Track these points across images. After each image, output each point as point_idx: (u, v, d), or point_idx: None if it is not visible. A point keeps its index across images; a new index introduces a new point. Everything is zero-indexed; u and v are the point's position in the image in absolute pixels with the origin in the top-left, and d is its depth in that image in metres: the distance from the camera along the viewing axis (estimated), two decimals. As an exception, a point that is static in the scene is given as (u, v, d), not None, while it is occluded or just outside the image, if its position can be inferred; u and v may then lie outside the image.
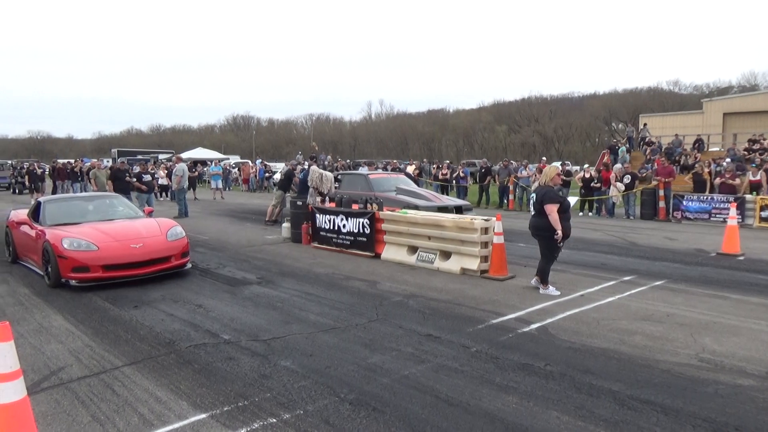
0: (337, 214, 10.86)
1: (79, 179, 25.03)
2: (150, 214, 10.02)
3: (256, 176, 33.19)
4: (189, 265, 8.91)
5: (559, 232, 6.93)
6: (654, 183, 17.05)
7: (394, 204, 12.51)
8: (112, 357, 5.13)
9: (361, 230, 10.32)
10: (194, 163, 32.31)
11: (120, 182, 15.03)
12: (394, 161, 34.75)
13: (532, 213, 7.33)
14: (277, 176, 30.79)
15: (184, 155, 44.72)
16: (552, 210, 6.94)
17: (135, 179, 16.18)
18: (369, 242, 10.20)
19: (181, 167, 17.77)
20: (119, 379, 4.59)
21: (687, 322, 6.05)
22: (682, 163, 22.33)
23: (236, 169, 37.04)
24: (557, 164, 7.68)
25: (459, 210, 13.17)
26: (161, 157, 49.73)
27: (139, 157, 52.10)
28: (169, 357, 5.10)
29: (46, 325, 6.16)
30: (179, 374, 4.68)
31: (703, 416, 3.84)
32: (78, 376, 4.68)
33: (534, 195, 7.38)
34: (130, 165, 21.17)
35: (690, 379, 4.47)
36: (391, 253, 9.85)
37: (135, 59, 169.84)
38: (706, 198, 15.81)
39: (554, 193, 7.15)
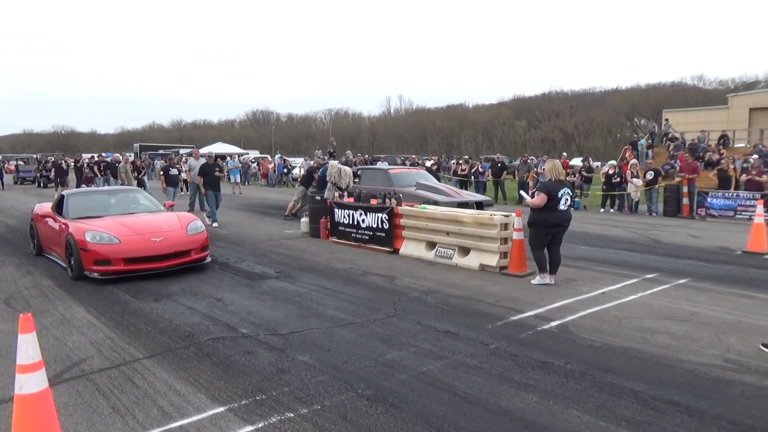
0: (355, 209, 10.84)
1: (103, 175, 24.59)
2: (170, 208, 10.10)
3: (275, 171, 33.32)
4: (209, 259, 8.96)
5: (526, 197, 7.74)
6: (677, 179, 16.76)
7: (414, 199, 12.46)
8: (132, 349, 5.18)
9: (380, 225, 10.29)
10: (217, 158, 32.60)
11: (208, 177, 14.19)
12: (413, 156, 34.63)
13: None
14: (296, 171, 30.95)
15: (204, 150, 45.12)
16: (539, 197, 7.39)
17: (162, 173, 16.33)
18: (387, 237, 10.17)
19: (190, 163, 17.79)
20: (139, 372, 4.63)
21: (712, 321, 5.93)
22: (706, 159, 21.92)
23: (255, 163, 37.21)
24: (557, 161, 8.14)
25: (480, 206, 13.09)
26: (182, 151, 50.22)
27: (161, 151, 52.74)
28: (189, 350, 5.13)
29: (69, 317, 6.24)
30: (198, 367, 4.70)
31: (728, 418, 3.75)
32: (99, 368, 4.73)
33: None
34: (151, 159, 21.41)
35: (715, 380, 4.37)
36: (409, 248, 9.81)
37: (156, 56, 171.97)
38: (732, 195, 15.49)
39: (545, 184, 7.54)
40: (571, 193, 7.62)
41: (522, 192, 9.44)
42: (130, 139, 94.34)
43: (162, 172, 17.45)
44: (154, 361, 4.86)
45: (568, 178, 18.94)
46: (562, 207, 7.42)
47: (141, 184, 19.67)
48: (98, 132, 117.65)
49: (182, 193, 21.97)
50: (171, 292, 7.28)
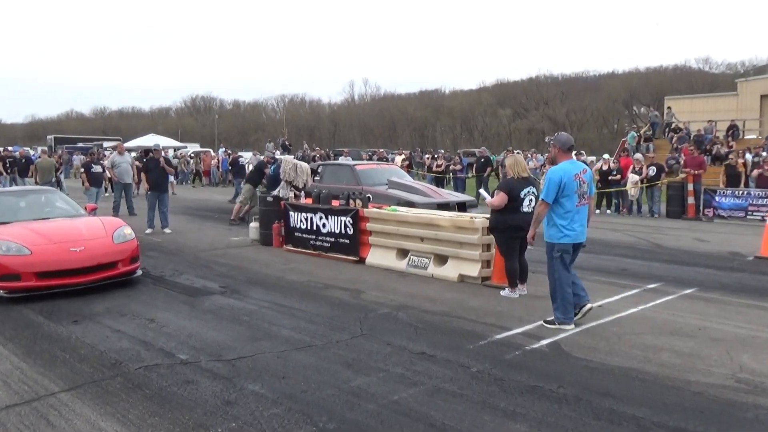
0: (314, 211, 10.82)
1: (10, 173, 23.68)
2: (93, 211, 9.91)
3: (218, 168, 32.99)
4: (139, 272, 8.84)
5: (486, 196, 7.86)
6: (682, 176, 17.18)
7: (386, 200, 12.49)
8: (46, 381, 5.06)
9: (343, 231, 10.29)
10: (145, 153, 32.05)
11: (154, 174, 13.83)
12: (381, 150, 34.74)
13: None
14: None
15: (133, 143, 44.35)
16: (498, 196, 7.48)
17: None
18: (352, 245, 10.18)
19: (113, 159, 17.48)
20: (55, 408, 4.52)
21: (721, 336, 6.10)
22: (714, 152, 22.56)
23: (195, 159, 36.75)
24: (519, 155, 8.48)
25: (462, 207, 13.15)
26: (106, 145, 49.23)
27: (81, 144, 51.60)
28: (115, 381, 5.04)
29: (-32, 344, 6.06)
30: (127, 401, 4.62)
31: (741, 446, 3.86)
32: (6, 404, 4.60)
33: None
34: (69, 154, 20.99)
35: (726, 403, 4.50)
36: (377, 257, 9.83)
37: (71, 32, 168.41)
38: (742, 193, 15.98)
39: (506, 182, 7.69)
40: (536, 193, 7.60)
41: (482, 191, 9.56)
42: (42, 129, 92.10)
43: (83, 170, 17.09)
44: (73, 395, 4.75)
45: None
46: (525, 208, 7.54)
47: (57, 183, 19.26)
48: (3, 122, 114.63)
49: (106, 195, 21.58)
50: (94, 313, 7.14)
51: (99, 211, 10.65)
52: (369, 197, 11.32)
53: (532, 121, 76.27)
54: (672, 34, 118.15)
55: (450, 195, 14.93)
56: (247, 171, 29.01)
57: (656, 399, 4.57)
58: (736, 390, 4.74)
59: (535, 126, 74.70)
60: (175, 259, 10.61)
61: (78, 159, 38.20)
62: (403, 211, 10.06)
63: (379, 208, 10.47)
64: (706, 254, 10.99)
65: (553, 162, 6.78)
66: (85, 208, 9.95)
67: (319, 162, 20.74)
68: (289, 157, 14.40)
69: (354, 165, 15.70)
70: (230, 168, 25.11)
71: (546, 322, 6.47)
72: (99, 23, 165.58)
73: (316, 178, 15.49)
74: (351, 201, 10.59)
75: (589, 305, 6.51)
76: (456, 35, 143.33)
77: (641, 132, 29.30)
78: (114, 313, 7.14)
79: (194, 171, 34.83)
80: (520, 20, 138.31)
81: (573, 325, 6.32)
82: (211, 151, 41.88)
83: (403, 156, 29.39)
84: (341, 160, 23.99)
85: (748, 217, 15.49)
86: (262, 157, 18.28)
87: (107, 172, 18.19)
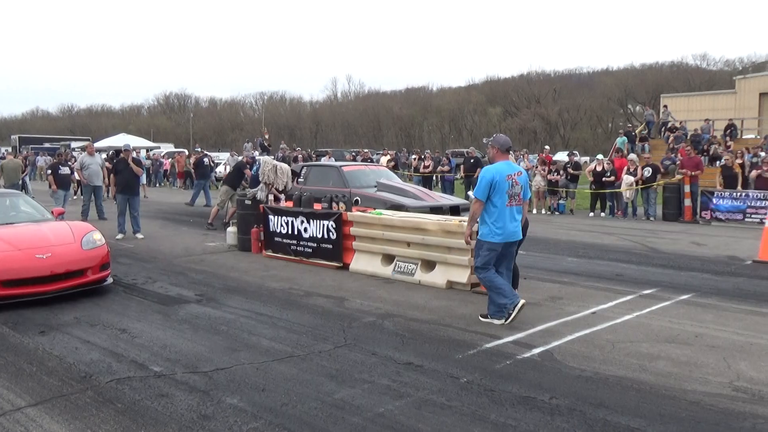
0: (295, 215, 10.81)
1: None
2: (61, 216, 9.85)
3: (194, 169, 32.79)
4: (110, 280, 8.79)
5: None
6: (678, 177, 17.37)
7: (375, 204, 12.49)
8: (12, 395, 5.02)
9: (326, 235, 10.30)
10: (116, 153, 31.85)
11: (123, 176, 13.64)
12: (365, 151, 34.79)
13: None
14: (220, 170, 30.60)
15: (103, 143, 44.07)
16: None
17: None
18: (335, 250, 10.18)
19: (82, 160, 17.36)
20: (22, 423, 4.49)
21: (719, 343, 6.18)
22: (711, 153, 22.83)
23: (169, 159, 36.56)
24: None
25: (456, 211, 13.16)
26: (74, 145, 48.88)
27: (47, 145, 51.22)
28: (85, 394, 5.01)
29: (-73, 357, 6.00)
30: (98, 416, 4.59)
31: (738, 457, 3.92)
32: (-32, 421, 4.56)
33: None
34: (35, 155, 20.88)
35: (723, 412, 4.56)
36: (361, 263, 9.85)
37: (38, 27, 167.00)
38: (740, 195, 16.18)
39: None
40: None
41: (470, 193, 9.57)
42: (6, 129, 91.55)
43: (49, 171, 16.98)
44: (40, 410, 4.72)
45: (551, 177, 19.43)
46: None
47: (22, 186, 19.12)
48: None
49: (75, 198, 21.44)
50: (62, 323, 7.09)
51: (67, 216, 10.59)
52: (357, 200, 11.32)
53: (523, 119, 76.66)
54: (668, 30, 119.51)
55: (442, 198, 14.96)
56: (222, 173, 29.05)
57: (652, 409, 4.63)
58: (734, 399, 4.81)
59: (526, 125, 75.11)
60: (148, 266, 10.56)
61: (42, 160, 37.94)
62: (388, 214, 10.08)
63: (363, 211, 10.49)
64: (703, 258, 11.13)
65: (491, 162, 7.16)
66: (52, 213, 9.88)
67: (303, 163, 20.72)
68: (269, 158, 14.38)
69: (341, 166, 15.63)
70: (194, 169, 25.00)
71: (481, 315, 7.04)
72: (66, 16, 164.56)
73: (300, 180, 15.49)
74: (334, 204, 10.60)
75: (521, 302, 6.77)
76: (444, 30, 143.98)
77: (637, 131, 29.58)
78: (83, 323, 7.09)
79: (168, 172, 34.70)
80: (511, 15, 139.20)
81: (503, 320, 6.77)
82: (186, 151, 41.71)
83: (388, 156, 29.45)
84: (323, 161, 23.97)
85: (746, 219, 15.69)
86: (240, 158, 18.25)
87: (76, 174, 18.09)
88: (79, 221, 10.63)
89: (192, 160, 27.51)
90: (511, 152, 7.12)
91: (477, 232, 7.04)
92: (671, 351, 5.95)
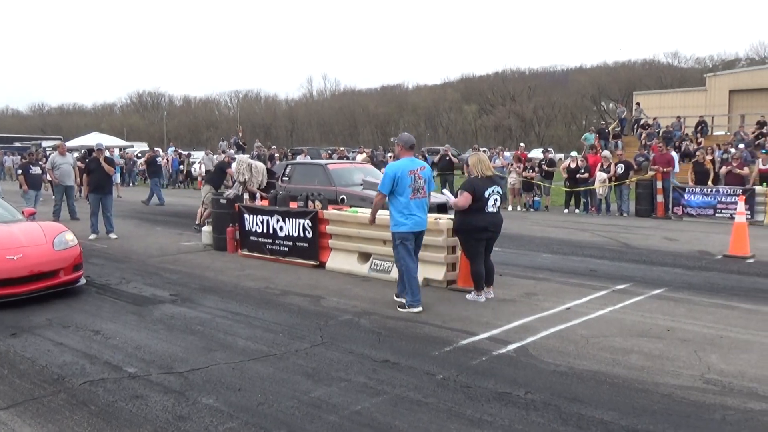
0: (271, 214, 10.77)
1: None
2: (32, 216, 9.72)
3: (168, 168, 32.59)
4: (83, 281, 8.70)
5: (450, 197, 8.24)
6: (651, 174, 17.59)
7: (362, 202, 12.45)
8: (-18, 399, 4.95)
9: (302, 234, 10.27)
10: (89, 152, 31.52)
11: (96, 176, 13.44)
12: (342, 149, 34.73)
13: None
14: (196, 168, 30.39)
15: (75, 142, 43.50)
16: (462, 196, 7.63)
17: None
18: (311, 249, 10.17)
19: (53, 160, 17.12)
20: (-7, 428, 4.44)
21: (690, 337, 6.29)
22: (683, 149, 23.17)
23: (142, 158, 36.20)
24: (483, 154, 8.89)
25: (443, 209, 13.14)
26: (45, 144, 48.18)
27: (17, 144, 50.45)
28: (58, 397, 4.96)
29: None
30: (71, 418, 4.55)
31: (709, 448, 3.99)
32: (-62, 426, 4.50)
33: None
34: (4, 154, 20.58)
35: (694, 405, 4.65)
36: (338, 261, 9.84)
37: (7, 24, 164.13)
38: (711, 191, 16.43)
39: (470, 182, 7.84)
40: (501, 192, 7.90)
41: (445, 191, 9.66)
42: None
43: (20, 171, 16.72)
44: (12, 413, 4.66)
45: (526, 174, 19.56)
46: (490, 209, 7.68)
47: None
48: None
49: (42, 199, 21.12)
50: (34, 325, 7.01)
51: (38, 216, 10.45)
52: (343, 198, 11.24)
53: (498, 117, 77.07)
54: (640, 28, 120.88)
55: (431, 195, 14.90)
56: (197, 171, 28.86)
57: (625, 402, 4.69)
58: (704, 391, 4.90)
59: (501, 122, 75.54)
60: (121, 266, 10.46)
61: (10, 160, 37.39)
62: (364, 212, 10.08)
63: (338, 209, 10.48)
64: (675, 253, 11.29)
65: (396, 158, 7.67)
66: (23, 213, 9.74)
67: (288, 161, 20.57)
68: (244, 157, 14.32)
69: (327, 164, 15.49)
70: (146, 167, 24.84)
71: (399, 305, 7.42)
72: (37, 13, 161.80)
73: (284, 178, 15.37)
74: (310, 202, 10.57)
75: (419, 310, 7.29)
76: (420, 29, 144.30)
77: (610, 128, 29.90)
78: (56, 324, 7.02)
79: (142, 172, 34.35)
80: (487, 13, 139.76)
81: (421, 308, 7.27)
82: (160, 150, 41.34)
83: (364, 154, 29.39)
84: (299, 159, 23.85)
85: (717, 215, 15.93)
86: (218, 157, 18.13)
87: (47, 173, 17.85)
88: (50, 222, 10.49)
89: (144, 159, 27.30)
90: (414, 149, 7.77)
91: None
92: (644, 345, 6.04)
